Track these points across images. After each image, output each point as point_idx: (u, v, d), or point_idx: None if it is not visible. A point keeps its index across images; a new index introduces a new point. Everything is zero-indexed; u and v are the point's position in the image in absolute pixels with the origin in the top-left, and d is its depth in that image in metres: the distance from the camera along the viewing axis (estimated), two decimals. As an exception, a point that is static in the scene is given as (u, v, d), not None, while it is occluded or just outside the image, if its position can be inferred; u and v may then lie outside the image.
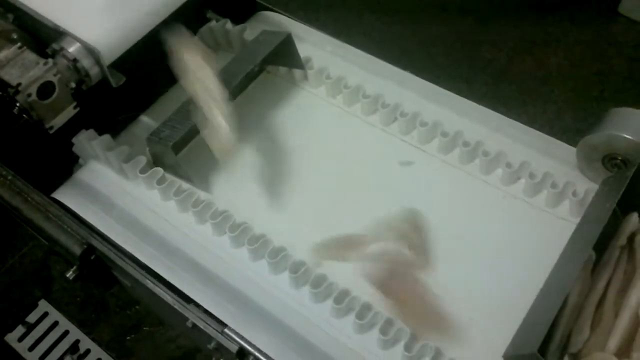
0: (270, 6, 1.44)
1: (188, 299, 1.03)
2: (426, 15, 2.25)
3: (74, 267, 1.20)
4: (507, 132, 1.16)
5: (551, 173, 1.08)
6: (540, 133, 1.15)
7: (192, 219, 1.09)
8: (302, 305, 0.99)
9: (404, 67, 1.29)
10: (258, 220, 1.08)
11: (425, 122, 1.15)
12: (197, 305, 1.02)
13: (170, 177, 1.12)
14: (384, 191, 1.11)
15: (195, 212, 1.08)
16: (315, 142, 1.20)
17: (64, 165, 1.27)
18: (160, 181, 1.11)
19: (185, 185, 1.13)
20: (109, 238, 1.12)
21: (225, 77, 1.15)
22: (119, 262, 1.11)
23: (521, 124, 1.17)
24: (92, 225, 1.14)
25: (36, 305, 1.68)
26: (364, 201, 1.10)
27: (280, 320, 0.98)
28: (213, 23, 1.34)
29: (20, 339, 1.64)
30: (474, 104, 1.21)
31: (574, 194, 1.03)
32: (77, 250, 1.15)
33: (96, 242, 1.13)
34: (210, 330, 1.01)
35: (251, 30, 1.30)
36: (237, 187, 1.14)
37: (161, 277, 1.05)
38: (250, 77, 1.26)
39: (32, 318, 1.66)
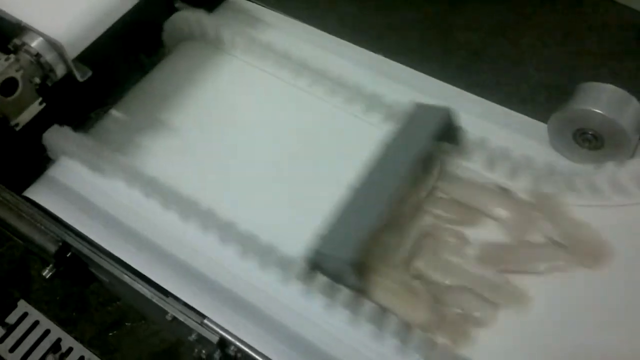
0: (238, -6, 1.43)
1: (166, 293, 1.02)
2: (399, 1, 2.25)
3: (50, 266, 1.18)
4: (492, 119, 1.16)
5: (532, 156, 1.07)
6: (510, 110, 1.15)
7: (158, 208, 1.08)
8: (278, 292, 0.98)
9: (378, 50, 1.28)
10: (223, 205, 1.06)
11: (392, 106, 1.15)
12: (176, 298, 1.01)
13: (135, 169, 1.10)
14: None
15: (161, 201, 1.07)
16: (254, 114, 1.21)
17: (35, 162, 1.25)
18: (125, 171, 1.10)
19: (150, 173, 1.11)
20: (84, 235, 1.10)
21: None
22: (95, 258, 1.10)
23: (495, 104, 1.17)
24: (66, 222, 1.12)
25: (15, 306, 1.66)
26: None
27: (259, 308, 0.98)
28: (186, 12, 1.32)
29: (1, 340, 1.62)
30: (448, 87, 1.21)
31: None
32: (51, 248, 1.13)
33: (71, 240, 1.12)
34: (190, 322, 1.00)
35: (223, 18, 1.28)
36: (181, 164, 1.14)
37: (138, 271, 1.04)
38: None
39: (11, 319, 1.64)
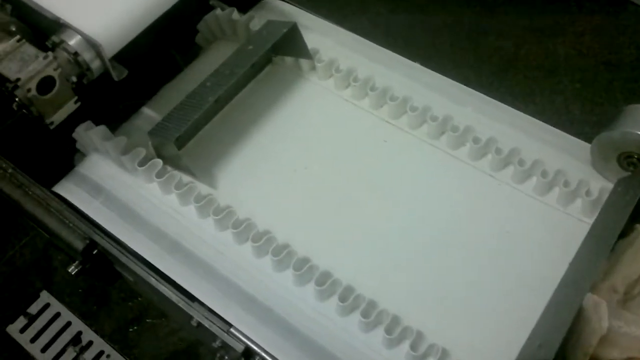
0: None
1: (192, 297, 1.01)
2: (432, 3, 2.21)
3: (76, 262, 1.18)
4: (520, 127, 1.13)
5: (564, 170, 1.05)
6: (554, 129, 1.12)
7: (193, 213, 1.07)
8: (307, 304, 0.97)
9: (410, 56, 1.26)
10: (261, 215, 1.06)
11: (435, 116, 1.12)
12: (202, 304, 1.00)
13: (170, 169, 1.10)
14: (393, 187, 1.09)
15: (198, 207, 1.05)
16: (322, 135, 1.17)
17: (65, 157, 1.25)
18: (160, 174, 1.09)
19: (186, 178, 1.10)
20: (111, 233, 1.10)
21: (231, 66, 1.12)
22: (122, 258, 1.09)
23: (537, 120, 1.14)
24: (93, 220, 1.12)
25: (37, 297, 1.67)
26: (369, 199, 1.08)
27: (285, 319, 0.96)
28: (218, 11, 1.31)
29: (22, 331, 1.62)
30: (485, 97, 1.18)
31: (587, 193, 1.01)
32: (79, 245, 1.12)
33: (98, 238, 1.11)
34: (215, 329, 0.99)
35: (258, 19, 1.27)
36: (240, 181, 1.12)
37: (165, 274, 1.03)
38: (257, 68, 1.23)
39: (33, 309, 1.65)
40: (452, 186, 1.08)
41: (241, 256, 1.02)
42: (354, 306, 0.95)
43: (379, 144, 1.14)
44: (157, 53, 1.43)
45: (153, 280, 1.05)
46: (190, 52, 1.45)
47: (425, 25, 2.16)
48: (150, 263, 1.05)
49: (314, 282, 0.96)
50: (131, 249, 1.07)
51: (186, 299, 1.02)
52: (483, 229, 1.02)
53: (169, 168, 1.10)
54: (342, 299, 0.94)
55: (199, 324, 1.00)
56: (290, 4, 1.39)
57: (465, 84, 1.21)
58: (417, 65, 1.25)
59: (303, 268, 0.97)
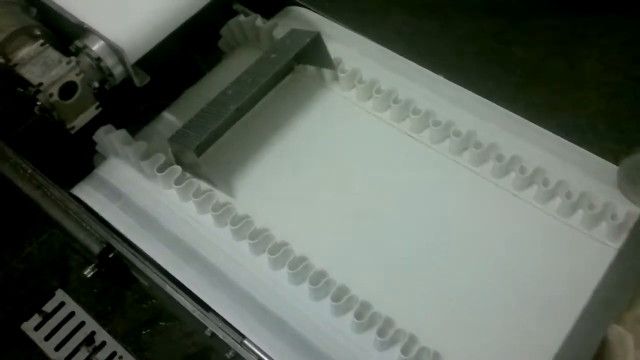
0: (298, 0, 1.40)
1: (207, 307, 1.00)
2: (456, 11, 2.19)
3: (92, 265, 1.18)
4: (546, 147, 1.11)
5: (589, 192, 1.03)
6: (580, 148, 1.10)
7: (211, 222, 1.06)
8: (323, 319, 0.96)
9: (433, 65, 1.24)
10: (279, 227, 1.05)
11: (458, 131, 1.11)
12: (217, 314, 0.99)
13: (189, 177, 1.09)
14: (413, 203, 1.07)
15: (215, 216, 1.05)
16: (342, 146, 1.16)
17: (84, 158, 1.25)
18: (179, 181, 1.08)
19: (204, 186, 1.10)
20: (128, 239, 1.09)
21: (253, 75, 1.12)
22: (138, 264, 1.09)
23: (562, 139, 1.12)
24: (110, 224, 1.12)
25: (53, 295, 1.67)
26: (388, 213, 1.06)
27: (300, 334, 0.95)
28: (242, 17, 1.30)
29: (37, 328, 1.63)
30: (509, 114, 1.16)
31: (613, 216, 0.99)
32: (95, 249, 1.12)
33: (115, 242, 1.11)
34: (229, 340, 0.98)
35: (281, 27, 1.26)
36: (258, 191, 1.11)
37: (181, 283, 1.03)
38: (278, 76, 1.22)
39: (48, 307, 1.65)
40: (473, 204, 1.06)
41: (258, 267, 1.01)
42: (370, 323, 0.93)
43: (400, 157, 1.12)
44: (180, 57, 1.43)
45: (168, 288, 1.05)
46: (213, 55, 1.44)
47: (449, 34, 2.13)
48: (166, 270, 1.05)
49: (330, 297, 0.95)
50: (147, 255, 1.07)
51: (201, 309, 1.01)
52: (504, 249, 1.01)
53: (187, 175, 1.10)
54: (358, 315, 0.93)
55: (213, 334, 1.00)
56: (314, 11, 1.38)
57: (488, 96, 1.19)
58: (440, 78, 1.23)
59: (320, 282, 0.96)
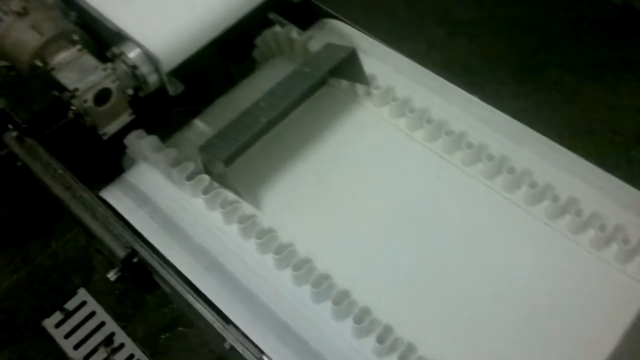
0: (334, 13, 1.39)
1: (228, 320, 1.00)
2: (493, 29, 2.17)
3: (116, 269, 1.18)
4: (580, 175, 1.08)
5: (624, 225, 1.00)
6: (616, 179, 1.07)
7: (236, 233, 1.06)
8: (344, 341, 0.94)
9: (467, 82, 1.22)
10: (304, 242, 1.03)
11: (491, 155, 1.09)
12: (237, 328, 0.99)
13: (217, 186, 1.09)
14: (440, 226, 1.05)
15: (241, 228, 1.04)
16: (372, 164, 1.14)
17: (113, 160, 1.25)
18: (206, 190, 1.08)
19: (232, 196, 1.09)
20: (153, 245, 1.09)
21: (286, 87, 1.11)
22: (161, 271, 1.09)
23: (598, 169, 1.09)
24: (136, 229, 1.12)
25: (75, 293, 1.68)
26: (416, 235, 1.05)
27: (320, 354, 0.94)
28: (277, 28, 1.30)
29: (57, 325, 1.64)
30: (544, 139, 1.14)
31: (649, 252, 0.96)
32: (120, 253, 1.13)
33: (140, 248, 1.11)
34: (248, 355, 0.97)
35: (316, 40, 1.25)
36: (285, 204, 1.10)
37: (203, 293, 1.02)
38: (311, 89, 1.21)
39: (70, 305, 1.66)
40: (503, 230, 1.04)
41: (281, 282, 1.01)
42: (392, 348, 0.92)
43: (430, 178, 1.11)
44: (214, 64, 1.43)
45: (190, 298, 1.05)
46: (246, 64, 1.44)
47: (485, 52, 2.11)
48: (188, 279, 1.04)
49: (352, 318, 0.94)
50: (171, 262, 1.07)
51: (221, 321, 1.01)
52: (533, 280, 0.98)
53: (215, 184, 1.09)
54: (380, 339, 0.91)
55: (232, 347, 0.99)
56: (350, 24, 1.37)
57: (522, 117, 1.17)
58: (474, 98, 1.22)
59: (342, 302, 0.95)
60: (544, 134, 1.15)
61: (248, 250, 1.04)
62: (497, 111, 1.19)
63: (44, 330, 1.65)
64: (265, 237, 1.02)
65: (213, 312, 1.01)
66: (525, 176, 1.06)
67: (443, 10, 2.22)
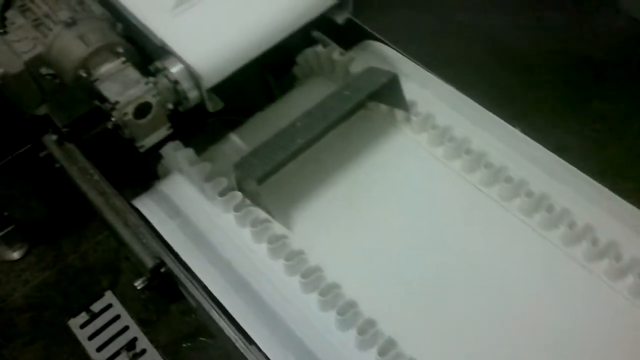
0: (378, 35, 1.38)
1: (250, 340, 0.99)
2: (540, 59, 2.13)
3: (143, 278, 1.19)
4: (621, 217, 1.05)
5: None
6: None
7: (265, 253, 1.05)
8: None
9: (509, 111, 1.19)
10: (332, 266, 1.02)
11: (531, 191, 1.06)
12: (259, 349, 0.98)
13: (248, 204, 1.08)
14: (474, 261, 1.03)
15: (270, 248, 1.03)
16: (407, 191, 1.12)
17: (149, 168, 1.26)
18: (238, 207, 1.08)
19: (263, 215, 1.08)
20: (181, 258, 1.09)
21: (324, 109, 1.10)
22: (188, 285, 1.09)
23: (639, 210, 1.05)
24: (166, 240, 1.12)
25: (102, 295, 1.70)
26: (448, 267, 1.02)
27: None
28: (320, 48, 1.30)
29: (82, 326, 1.65)
30: (586, 178, 1.11)
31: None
32: (149, 263, 1.13)
33: (168, 260, 1.11)
34: (268, 378, 0.96)
35: (358, 62, 1.24)
36: (316, 226, 1.09)
37: (228, 312, 1.02)
38: (350, 112, 1.20)
39: (96, 307, 1.68)
40: (537, 269, 1.01)
41: (306, 306, 0.99)
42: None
43: (465, 210, 1.08)
44: (253, 78, 1.44)
45: (214, 314, 1.04)
46: (286, 77, 1.44)
47: (529, 81, 2.07)
48: (214, 295, 1.04)
49: (376, 349, 0.92)
50: (198, 277, 1.07)
51: (244, 340, 1.00)
52: (565, 323, 0.95)
53: (247, 202, 1.09)
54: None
55: (253, 367, 0.98)
56: (392, 47, 1.36)
57: (564, 152, 1.14)
58: (517, 132, 1.19)
59: (367, 332, 0.93)
60: (586, 171, 1.12)
61: (276, 271, 1.03)
62: (539, 145, 1.17)
63: (69, 329, 1.66)
64: (294, 260, 1.01)
65: (236, 331, 1.01)
66: (564, 215, 1.03)
67: (491, 39, 2.18)
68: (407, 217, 1.08)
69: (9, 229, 1.71)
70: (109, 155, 1.31)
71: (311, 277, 0.99)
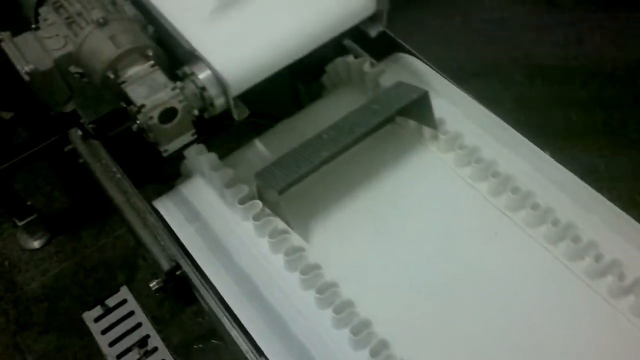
0: (410, 48, 1.36)
1: (261, 352, 0.98)
2: (571, 77, 2.08)
3: (159, 280, 1.18)
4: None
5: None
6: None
7: (281, 264, 1.03)
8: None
9: (540, 131, 1.16)
10: (348, 282, 1.00)
11: (557, 220, 1.03)
12: (269, 362, 0.97)
13: (268, 213, 1.07)
14: (494, 288, 1.00)
15: (286, 260, 1.02)
16: (430, 210, 1.10)
17: (171, 167, 1.26)
18: (257, 216, 1.06)
19: (282, 225, 1.07)
20: (198, 263, 1.09)
21: (351, 123, 1.09)
22: (202, 290, 1.08)
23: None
24: (184, 244, 1.11)
25: (117, 290, 1.70)
26: (467, 292, 1.00)
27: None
28: (350, 58, 1.28)
29: (96, 320, 1.66)
30: (616, 210, 1.07)
31: None
32: (165, 265, 1.13)
33: (184, 264, 1.11)
34: (277, 391, 0.95)
35: (388, 75, 1.22)
36: (334, 241, 1.08)
37: (241, 322, 1.01)
38: (378, 127, 1.18)
39: (111, 302, 1.68)
40: (561, 302, 0.98)
41: (320, 322, 0.98)
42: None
43: (489, 235, 1.06)
44: (282, 84, 1.42)
45: (227, 323, 1.04)
46: (314, 84, 1.43)
47: (561, 99, 2.03)
48: (227, 304, 1.03)
49: (389, 372, 0.90)
50: (213, 284, 1.06)
51: (255, 352, 0.99)
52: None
53: (267, 211, 1.08)
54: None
55: (262, 380, 0.97)
56: (424, 62, 1.34)
57: (593, 177, 1.11)
58: (546, 155, 1.16)
59: (380, 354, 0.92)
60: (616, 201, 1.09)
61: (291, 284, 1.02)
62: (568, 172, 1.14)
63: (82, 322, 1.67)
64: (311, 274, 1.00)
65: (247, 342, 1.00)
66: (590, 247, 1.00)
67: (524, 54, 2.15)
68: (428, 238, 1.06)
69: (31, 218, 1.73)
70: (132, 153, 1.31)
71: (326, 293, 0.97)
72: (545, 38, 2.19)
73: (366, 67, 1.24)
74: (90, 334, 1.65)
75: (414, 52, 1.35)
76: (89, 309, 1.69)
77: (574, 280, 0.99)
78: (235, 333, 1.02)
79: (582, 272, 1.00)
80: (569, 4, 2.27)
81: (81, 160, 1.32)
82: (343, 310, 0.96)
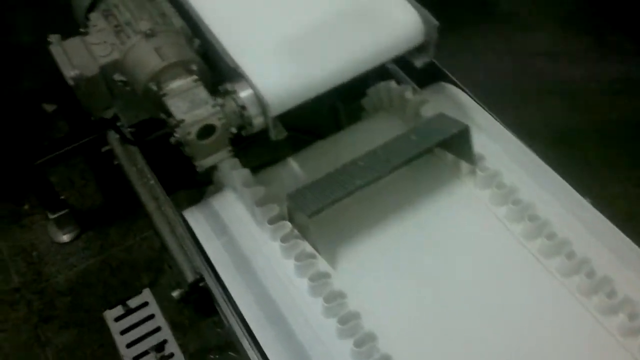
0: (454, 78, 1.34)
1: (277, 376, 0.97)
2: (620, 122, 2.03)
3: (182, 290, 1.18)
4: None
5: None
6: None
7: (305, 289, 1.02)
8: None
9: (579, 171, 1.12)
10: (372, 314, 0.98)
11: (592, 272, 0.99)
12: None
13: (296, 235, 1.06)
14: (524, 337, 0.97)
15: (311, 285, 1.01)
16: (461, 248, 1.08)
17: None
18: (286, 238, 1.05)
19: (309, 249, 1.06)
20: (222, 279, 1.08)
21: (388, 152, 1.07)
22: (224, 307, 1.07)
23: None
24: (210, 258, 1.11)
25: (140, 292, 1.71)
26: (494, 339, 0.97)
27: None
28: (393, 84, 1.26)
29: (117, 320, 1.67)
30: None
31: None
32: (189, 276, 1.12)
33: (208, 277, 1.10)
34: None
35: (430, 105, 1.20)
36: (361, 270, 1.06)
37: (259, 344, 0.99)
38: (415, 158, 1.16)
39: (133, 303, 1.69)
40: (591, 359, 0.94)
41: (340, 353, 0.96)
42: None
43: (520, 281, 1.03)
44: (322, 103, 1.42)
45: (246, 343, 1.03)
46: (354, 104, 1.42)
47: (604, 141, 1.98)
48: (248, 324, 1.02)
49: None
50: (235, 302, 1.05)
51: (271, 375, 0.97)
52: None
53: (295, 233, 1.07)
54: None
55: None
56: (467, 93, 1.31)
57: (633, 224, 1.07)
58: (586, 202, 1.12)
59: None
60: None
61: (314, 310, 1.00)
62: (607, 221, 1.10)
63: (103, 321, 1.68)
64: (334, 302, 0.98)
65: (265, 365, 0.99)
66: (626, 304, 0.97)
67: (570, 91, 2.10)
68: (457, 275, 1.04)
69: (63, 212, 1.75)
70: (167, 159, 1.31)
71: (349, 324, 0.96)
72: (595, 76, 2.14)
73: (408, 94, 1.22)
74: (109, 333, 1.66)
75: (458, 82, 1.33)
76: (111, 308, 1.70)
77: (606, 337, 0.96)
78: (252, 354, 1.01)
79: (615, 330, 0.96)
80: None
81: (116, 162, 1.33)
82: (364, 343, 0.94)
